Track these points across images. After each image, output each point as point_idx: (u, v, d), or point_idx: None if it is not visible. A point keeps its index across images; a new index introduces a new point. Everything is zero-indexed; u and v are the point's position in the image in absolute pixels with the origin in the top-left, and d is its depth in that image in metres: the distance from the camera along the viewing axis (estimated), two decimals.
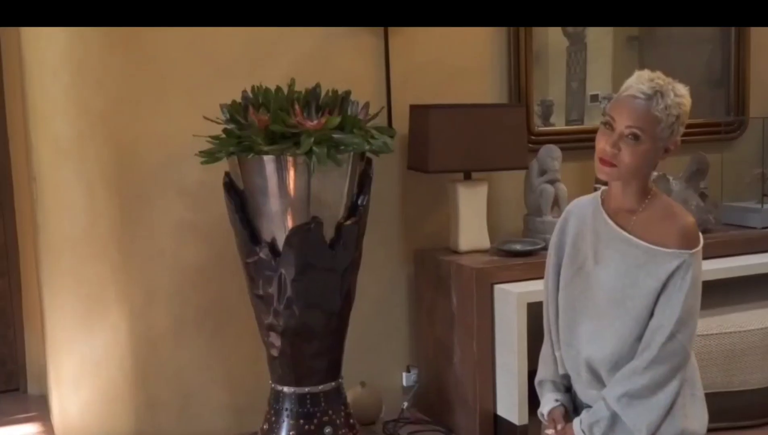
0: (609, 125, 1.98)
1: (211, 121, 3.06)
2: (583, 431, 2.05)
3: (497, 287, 3.33)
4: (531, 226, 3.69)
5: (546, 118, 3.99)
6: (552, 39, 3.94)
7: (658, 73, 2.00)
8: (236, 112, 3.05)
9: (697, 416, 2.06)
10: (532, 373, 2.27)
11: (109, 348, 3.38)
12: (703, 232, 2.04)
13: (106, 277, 3.36)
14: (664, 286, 1.97)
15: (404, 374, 3.75)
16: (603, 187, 2.15)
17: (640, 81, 1.97)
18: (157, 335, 3.43)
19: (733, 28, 4.25)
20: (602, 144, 1.98)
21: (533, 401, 2.24)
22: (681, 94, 1.98)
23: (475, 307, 3.33)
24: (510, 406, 3.31)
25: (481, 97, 3.75)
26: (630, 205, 2.03)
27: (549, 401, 2.19)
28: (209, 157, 3.03)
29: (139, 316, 3.40)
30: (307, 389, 3.15)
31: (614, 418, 2.00)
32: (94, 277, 3.35)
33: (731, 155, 4.23)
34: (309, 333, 3.11)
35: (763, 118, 4.06)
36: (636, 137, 1.94)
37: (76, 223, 3.32)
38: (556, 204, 3.64)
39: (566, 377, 2.19)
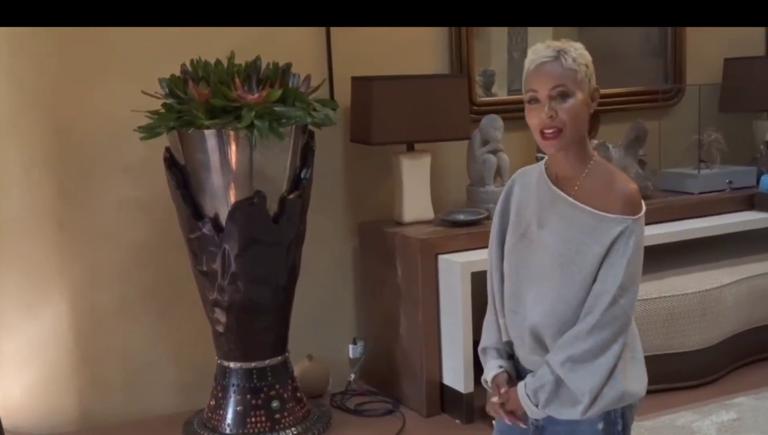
0: (534, 99, 1.98)
1: (150, 95, 3.02)
2: (528, 396, 2.06)
3: (442, 257, 3.35)
4: (474, 196, 3.70)
5: (488, 88, 4.00)
6: None
7: (550, 41, 2.03)
8: (176, 86, 3.02)
9: (638, 378, 2.07)
10: (477, 342, 2.26)
11: (52, 328, 3.34)
12: (643, 199, 2.06)
13: (48, 257, 3.31)
14: (607, 251, 1.97)
15: (351, 346, 3.77)
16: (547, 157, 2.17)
17: (539, 51, 1.99)
18: (101, 314, 3.39)
19: None
20: (536, 118, 1.98)
21: (479, 370, 2.24)
22: (578, 47, 2.01)
23: (420, 278, 3.35)
24: (456, 375, 3.34)
25: (423, 69, 3.74)
26: (573, 171, 2.03)
27: (493, 368, 2.18)
28: (149, 132, 3.00)
29: (82, 296, 3.36)
30: (253, 364, 3.16)
31: (558, 383, 2.00)
32: (35, 256, 3.30)
33: (669, 123, 4.29)
34: (254, 308, 3.11)
35: (700, 86, 4.11)
36: (565, 94, 1.95)
37: (14, 201, 3.27)
38: (499, 174, 3.66)
39: (509, 344, 2.19)
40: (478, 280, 3.13)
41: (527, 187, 2.12)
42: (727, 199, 4.01)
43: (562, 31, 3.81)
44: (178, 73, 3.05)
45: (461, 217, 3.55)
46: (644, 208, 2.02)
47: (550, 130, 1.97)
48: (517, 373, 2.18)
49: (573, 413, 1.99)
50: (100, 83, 3.29)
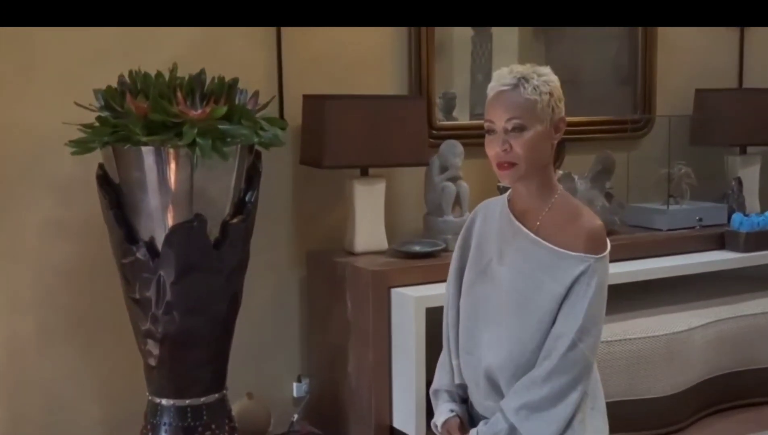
0: (491, 130, 2.03)
1: (84, 107, 2.92)
2: None
3: (395, 291, 3.28)
4: (431, 226, 3.64)
5: (448, 111, 3.96)
6: (456, 28, 3.92)
7: (515, 65, 2.08)
8: (112, 98, 2.93)
9: (597, 430, 2.08)
10: (430, 383, 2.32)
11: None
12: (608, 234, 2.10)
13: None
14: (567, 291, 1.98)
15: (295, 384, 3.69)
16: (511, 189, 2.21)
17: (500, 77, 2.03)
18: (21, 344, 3.26)
19: None
20: (493, 150, 2.02)
21: (431, 413, 2.29)
22: (544, 73, 2.04)
23: (371, 312, 3.27)
24: (407, 418, 3.25)
25: (380, 89, 3.71)
26: (535, 204, 2.06)
27: (444, 412, 2.19)
28: (81, 147, 2.92)
29: (1, 322, 3.22)
30: (188, 401, 3.05)
31: (512, 431, 2.00)
32: None
33: (637, 154, 4.29)
34: (190, 340, 3.00)
35: (670, 117, 4.10)
36: (520, 127, 1.98)
37: None
38: (458, 203, 3.62)
39: (462, 387, 2.20)
40: (433, 316, 3.05)
41: (490, 219, 2.13)
42: (697, 236, 3.99)
43: (529, 53, 3.81)
44: (114, 84, 2.95)
45: (417, 248, 3.49)
46: (609, 246, 2.02)
47: (505, 163, 2.00)
48: (469, 418, 2.17)
49: None
50: (26, 92, 3.17)
